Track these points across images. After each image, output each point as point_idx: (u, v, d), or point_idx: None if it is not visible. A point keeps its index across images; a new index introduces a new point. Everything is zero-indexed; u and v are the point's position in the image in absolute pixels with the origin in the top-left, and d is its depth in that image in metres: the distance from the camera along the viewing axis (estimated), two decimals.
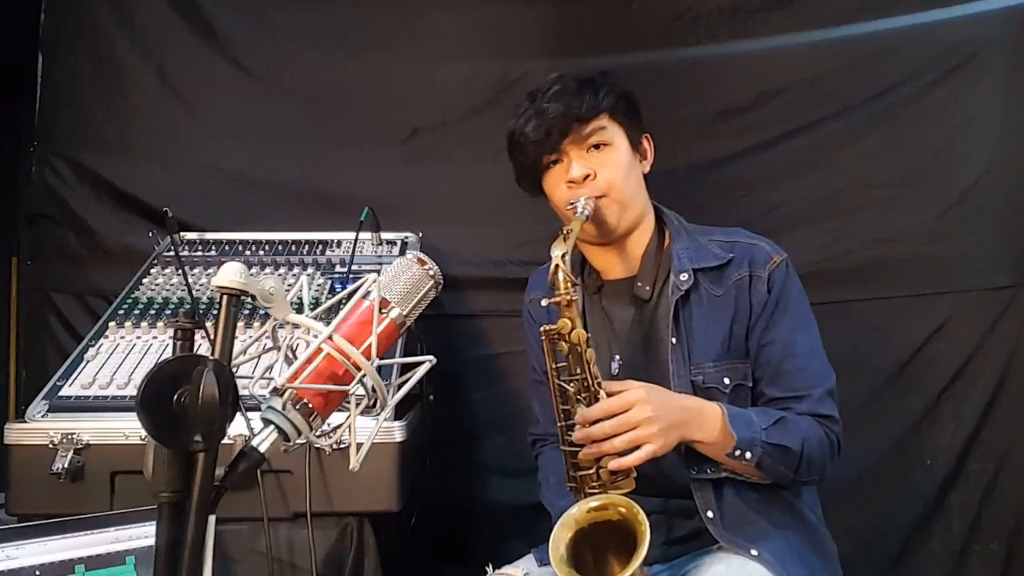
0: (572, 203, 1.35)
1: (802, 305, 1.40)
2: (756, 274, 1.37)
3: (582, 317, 1.42)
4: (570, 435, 1.25)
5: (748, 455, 1.25)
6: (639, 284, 1.42)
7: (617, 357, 1.43)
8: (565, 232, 1.29)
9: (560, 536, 1.17)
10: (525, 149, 1.40)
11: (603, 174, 1.37)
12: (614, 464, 1.20)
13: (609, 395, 1.23)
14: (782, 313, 1.36)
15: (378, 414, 0.91)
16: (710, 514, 1.32)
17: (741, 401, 1.37)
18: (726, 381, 1.35)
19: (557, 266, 1.25)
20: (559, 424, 1.28)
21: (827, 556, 1.38)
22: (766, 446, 1.26)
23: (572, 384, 1.25)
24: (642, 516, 1.13)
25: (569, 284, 1.26)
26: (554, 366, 1.28)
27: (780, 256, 1.39)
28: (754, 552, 1.27)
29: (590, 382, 1.24)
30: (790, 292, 1.38)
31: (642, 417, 1.19)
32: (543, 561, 1.40)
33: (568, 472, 1.28)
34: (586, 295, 1.48)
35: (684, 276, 1.38)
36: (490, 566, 1.40)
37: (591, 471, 1.23)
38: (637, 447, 1.19)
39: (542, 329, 1.28)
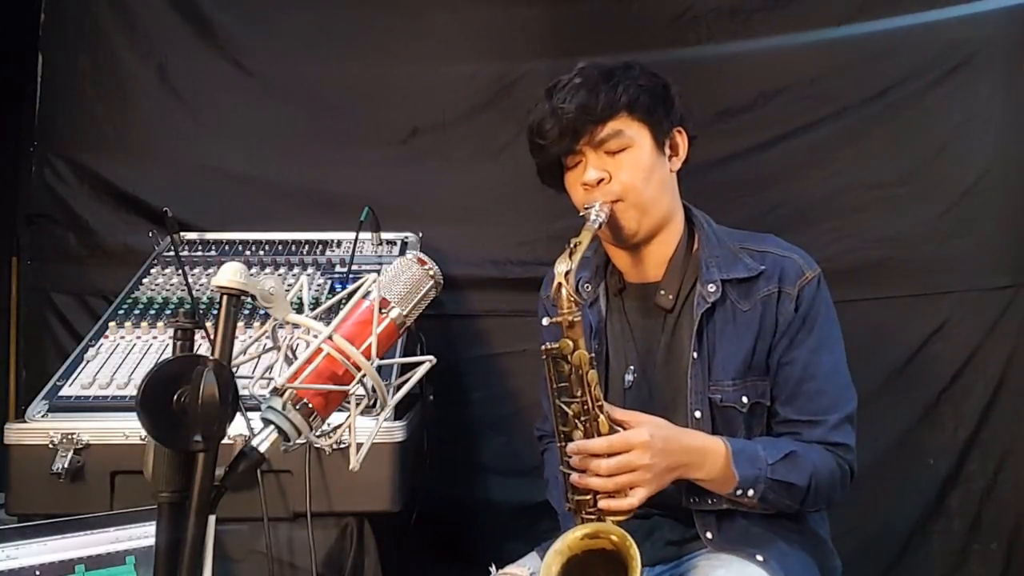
0: (587, 208, 1.28)
1: (829, 324, 1.34)
2: (785, 291, 1.32)
3: (603, 322, 1.41)
4: (568, 458, 1.22)
5: (751, 492, 1.23)
6: (662, 292, 1.36)
7: (632, 368, 1.39)
8: (572, 246, 1.21)
9: (552, 562, 1.15)
10: (543, 150, 1.34)
11: (619, 177, 1.30)
12: (603, 504, 1.18)
13: (612, 421, 1.20)
14: (807, 332, 1.32)
15: (378, 414, 0.91)
16: (709, 535, 1.31)
17: (757, 418, 1.34)
18: (744, 400, 1.32)
19: (560, 284, 1.19)
20: (559, 444, 1.25)
21: (830, 570, 1.38)
22: (770, 482, 1.23)
23: (572, 406, 1.21)
24: (634, 550, 1.11)
25: (573, 304, 1.20)
26: (555, 386, 1.23)
27: (813, 272, 1.34)
28: (759, 557, 1.26)
29: (591, 405, 1.20)
30: (818, 310, 1.33)
31: (640, 463, 1.16)
32: None
33: (566, 493, 1.25)
34: (609, 297, 1.43)
35: (712, 287, 1.32)
36: (493, 566, 1.40)
37: (588, 497, 1.21)
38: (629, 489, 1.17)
39: (543, 348, 1.23)
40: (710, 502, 1.31)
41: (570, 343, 1.20)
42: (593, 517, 1.21)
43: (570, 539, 1.17)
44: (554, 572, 1.15)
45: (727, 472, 1.22)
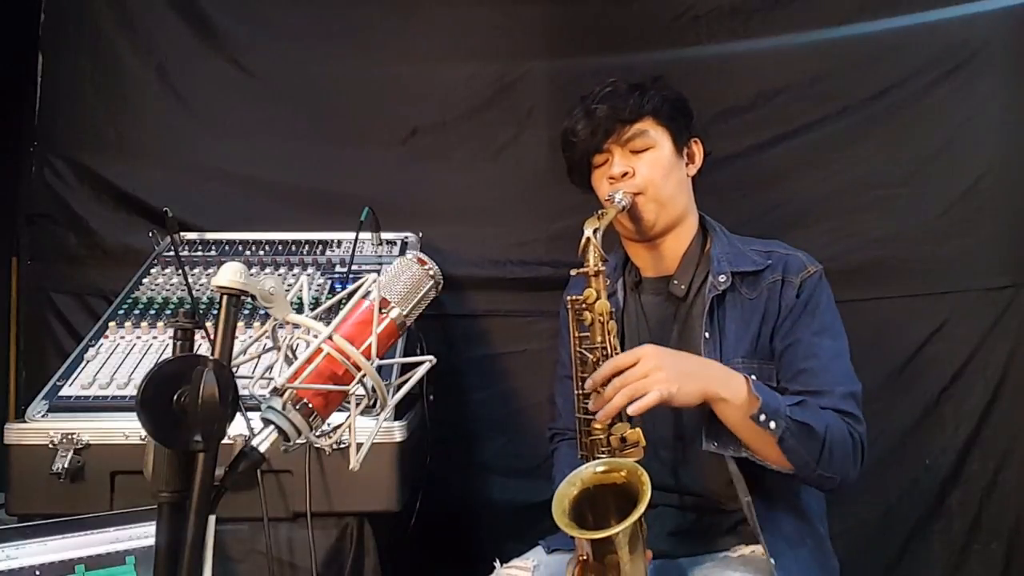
0: (611, 195, 1.42)
1: (830, 314, 1.42)
2: (788, 279, 1.42)
3: (620, 312, 1.50)
4: (586, 403, 1.30)
5: (772, 424, 1.24)
6: (675, 282, 1.48)
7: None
8: (600, 213, 1.38)
9: (565, 492, 1.21)
10: (575, 147, 1.50)
11: (642, 172, 1.44)
12: (631, 409, 1.20)
13: None
14: (809, 317, 1.40)
15: (378, 414, 0.91)
16: (747, 499, 1.34)
17: None
18: (753, 377, 1.35)
19: (588, 239, 1.34)
20: (576, 392, 1.34)
21: (829, 570, 1.40)
22: (790, 421, 1.25)
23: (593, 353, 1.31)
24: (645, 477, 1.16)
25: (598, 258, 1.33)
26: (577, 335, 1.35)
27: (815, 267, 1.44)
28: (772, 561, 1.29)
29: (610, 352, 1.30)
30: (819, 299, 1.41)
31: (649, 367, 1.22)
32: (551, 548, 1.43)
33: (580, 440, 1.33)
34: (626, 291, 1.54)
35: (722, 277, 1.43)
36: (498, 562, 1.41)
37: (601, 437, 1.27)
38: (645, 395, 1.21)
39: (568, 299, 1.36)
40: (731, 449, 1.32)
41: (594, 292, 1.33)
42: (606, 455, 1.26)
43: (584, 473, 1.23)
44: (567, 501, 1.20)
45: (751, 396, 1.26)
